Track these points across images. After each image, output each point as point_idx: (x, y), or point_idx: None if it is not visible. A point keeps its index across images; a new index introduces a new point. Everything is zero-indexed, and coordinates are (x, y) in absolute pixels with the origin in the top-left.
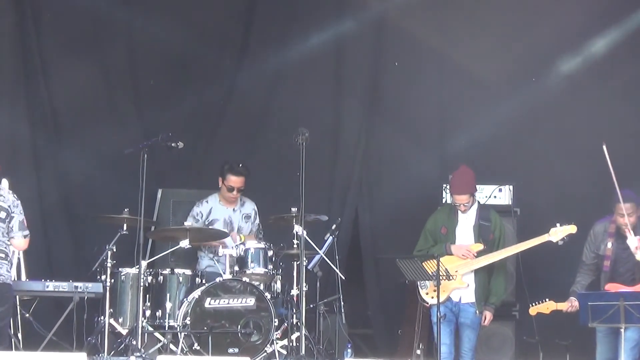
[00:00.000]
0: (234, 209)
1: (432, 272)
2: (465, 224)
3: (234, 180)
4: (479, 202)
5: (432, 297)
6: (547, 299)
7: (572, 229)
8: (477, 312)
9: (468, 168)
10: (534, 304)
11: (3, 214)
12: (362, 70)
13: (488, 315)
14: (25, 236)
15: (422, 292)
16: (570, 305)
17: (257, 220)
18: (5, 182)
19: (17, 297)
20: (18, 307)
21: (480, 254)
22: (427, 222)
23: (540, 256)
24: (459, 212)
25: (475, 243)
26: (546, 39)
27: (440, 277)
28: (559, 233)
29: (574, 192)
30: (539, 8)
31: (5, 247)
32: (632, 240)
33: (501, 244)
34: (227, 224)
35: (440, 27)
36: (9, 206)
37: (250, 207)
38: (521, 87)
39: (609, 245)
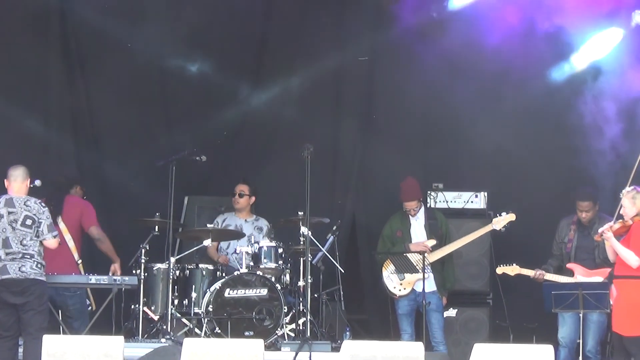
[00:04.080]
0: (245, 220)
1: (416, 265)
2: (417, 225)
3: (236, 187)
4: (424, 205)
5: (400, 290)
6: (514, 263)
7: (511, 217)
8: (440, 296)
9: (413, 179)
10: (501, 265)
11: (29, 222)
12: (358, 95)
13: (444, 299)
14: (54, 236)
15: (390, 287)
16: (537, 273)
17: (266, 234)
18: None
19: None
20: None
21: (434, 247)
22: (383, 229)
23: (509, 251)
24: (410, 216)
25: (428, 239)
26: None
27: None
28: (500, 222)
29: (542, 196)
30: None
31: (32, 249)
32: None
33: (448, 237)
34: (238, 229)
35: (422, 58)
36: (34, 214)
37: (263, 223)
38: (494, 104)
39: (571, 232)
